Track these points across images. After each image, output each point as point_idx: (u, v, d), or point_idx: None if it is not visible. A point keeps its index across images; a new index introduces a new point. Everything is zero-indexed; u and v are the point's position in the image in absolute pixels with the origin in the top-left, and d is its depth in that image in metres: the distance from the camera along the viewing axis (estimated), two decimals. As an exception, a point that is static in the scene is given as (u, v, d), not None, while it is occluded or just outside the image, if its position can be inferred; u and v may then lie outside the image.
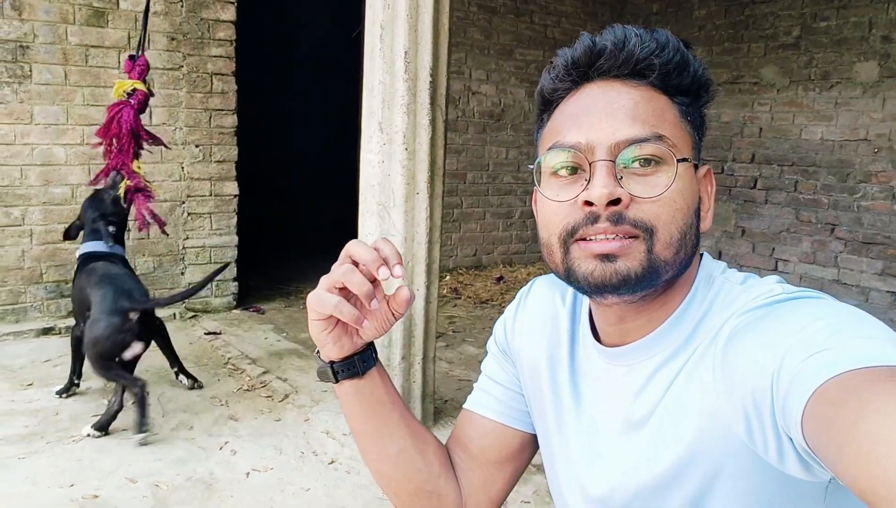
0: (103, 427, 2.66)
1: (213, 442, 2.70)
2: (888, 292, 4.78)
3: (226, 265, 3.73)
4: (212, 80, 4.28)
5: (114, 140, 2.94)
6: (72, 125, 3.89)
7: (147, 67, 3.04)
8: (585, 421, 0.78)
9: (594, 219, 0.66)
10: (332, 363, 0.77)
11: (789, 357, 0.55)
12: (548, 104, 0.74)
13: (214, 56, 4.26)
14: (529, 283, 0.92)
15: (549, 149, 0.70)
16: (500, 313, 0.96)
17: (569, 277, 0.70)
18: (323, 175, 8.06)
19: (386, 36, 2.50)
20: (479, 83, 5.77)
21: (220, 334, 4.03)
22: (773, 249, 5.42)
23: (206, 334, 4.02)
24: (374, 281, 0.70)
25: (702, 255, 0.75)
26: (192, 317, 4.30)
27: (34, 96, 3.79)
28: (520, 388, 0.89)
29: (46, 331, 3.82)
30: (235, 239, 4.51)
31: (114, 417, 2.69)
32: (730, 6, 5.58)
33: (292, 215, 7.47)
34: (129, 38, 3.97)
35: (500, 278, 5.63)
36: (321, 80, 7.92)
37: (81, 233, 3.06)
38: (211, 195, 4.38)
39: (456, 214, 5.84)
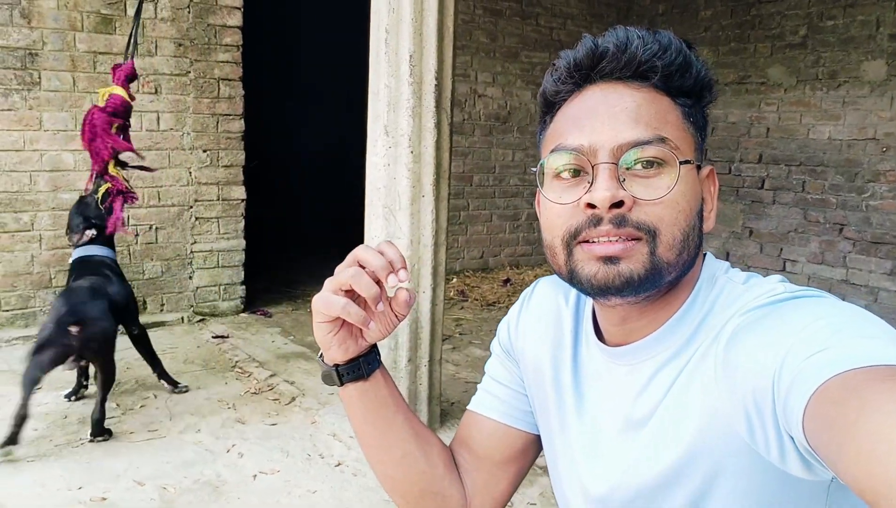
0: (11, 440, 2.51)
1: (221, 445, 2.71)
2: (898, 292, 4.75)
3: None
4: (219, 85, 4.30)
5: (90, 144, 2.95)
6: (80, 131, 3.92)
7: (132, 71, 3.00)
8: (588, 421, 0.78)
9: (597, 221, 0.66)
10: (336, 366, 0.78)
11: (791, 356, 0.55)
12: (550, 106, 0.74)
13: (221, 61, 4.29)
14: (533, 284, 0.92)
15: (552, 151, 0.70)
16: (507, 315, 0.96)
17: (572, 279, 0.70)
18: (323, 176, 8.08)
19: (391, 40, 2.51)
20: (485, 86, 5.77)
21: (227, 337, 4.05)
22: (781, 249, 5.39)
23: (213, 337, 4.03)
24: (378, 283, 0.70)
25: (705, 255, 0.75)
26: (199, 321, 4.33)
27: (43, 103, 3.82)
28: (523, 389, 0.89)
29: (56, 335, 3.84)
30: (243, 243, 4.53)
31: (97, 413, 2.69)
32: (736, 6, 5.56)
33: (292, 216, 7.50)
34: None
35: (506, 281, 5.63)
36: (322, 80, 7.95)
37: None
38: (218, 200, 4.41)
39: (462, 216, 5.84)
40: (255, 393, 3.25)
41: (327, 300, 0.70)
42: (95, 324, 2.68)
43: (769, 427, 0.58)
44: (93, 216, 3.01)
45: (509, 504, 2.31)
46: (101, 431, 2.70)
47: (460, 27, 5.36)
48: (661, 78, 0.68)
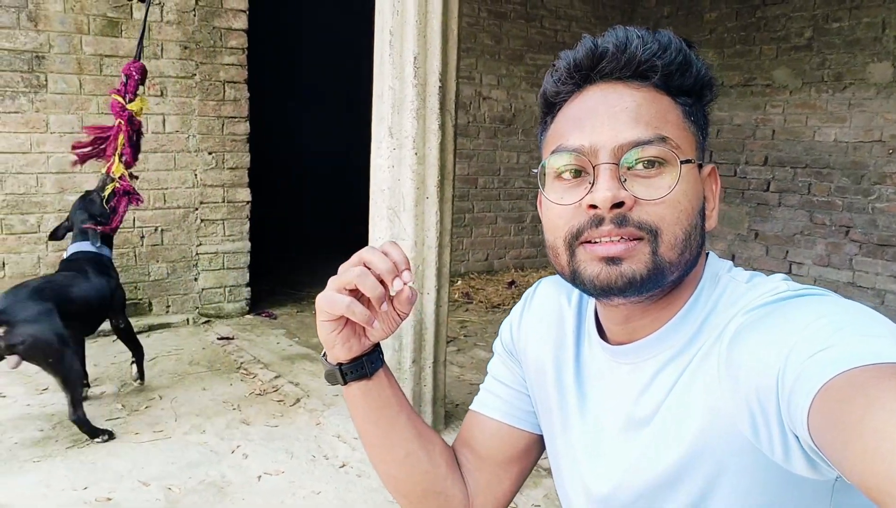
0: None
1: (225, 446, 2.72)
2: (904, 294, 4.73)
3: None
4: (224, 88, 4.32)
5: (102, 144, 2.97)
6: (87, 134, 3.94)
7: (127, 70, 3.01)
8: (590, 421, 0.78)
9: (599, 222, 0.66)
10: (340, 364, 0.78)
11: (794, 355, 0.55)
12: (551, 107, 0.75)
13: (227, 64, 4.31)
14: (535, 284, 0.92)
15: (553, 152, 0.70)
16: (512, 318, 0.96)
17: (574, 279, 0.70)
18: (325, 177, 8.10)
19: (395, 42, 2.52)
20: (489, 88, 5.78)
21: (232, 339, 4.06)
22: (787, 251, 5.38)
23: (218, 339, 4.04)
24: (382, 283, 0.70)
25: (707, 254, 0.75)
26: (205, 322, 4.34)
27: (50, 105, 3.84)
28: (526, 389, 0.89)
29: (62, 337, 3.86)
30: (248, 245, 4.54)
31: None
32: (741, 8, 5.55)
33: (294, 217, 7.51)
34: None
35: (511, 283, 5.63)
36: (324, 81, 7.97)
37: (70, 234, 3.07)
38: (224, 202, 4.42)
39: (467, 218, 5.84)
40: (259, 394, 3.25)
41: (331, 299, 0.70)
42: (22, 327, 2.52)
43: (773, 426, 0.58)
44: (97, 214, 3.02)
45: (512, 504, 2.31)
46: (92, 432, 2.67)
47: (465, 30, 5.38)
48: (661, 77, 0.68)
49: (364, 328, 0.76)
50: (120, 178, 3.02)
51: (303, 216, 7.70)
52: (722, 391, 0.63)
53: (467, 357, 3.96)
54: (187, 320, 4.30)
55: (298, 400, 3.19)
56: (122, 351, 3.68)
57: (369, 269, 0.69)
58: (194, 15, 4.17)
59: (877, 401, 0.46)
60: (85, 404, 3.03)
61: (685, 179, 0.67)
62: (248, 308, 4.59)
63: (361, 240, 2.78)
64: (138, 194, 3.12)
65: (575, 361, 0.81)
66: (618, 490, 0.73)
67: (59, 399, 3.06)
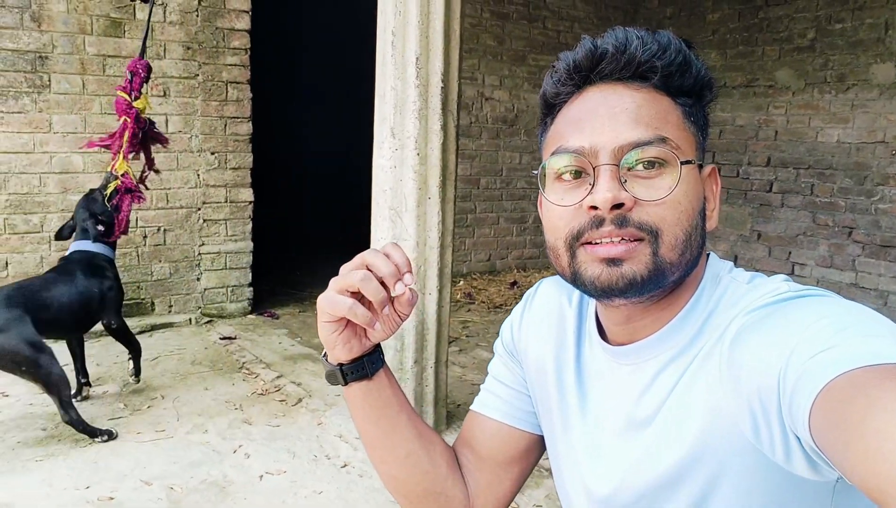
0: None
1: (228, 445, 2.72)
2: (907, 296, 4.72)
3: None
4: (227, 88, 4.33)
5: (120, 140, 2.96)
6: (90, 134, 3.95)
7: (133, 67, 2.99)
8: (591, 421, 0.78)
9: (599, 222, 0.66)
10: (340, 365, 0.78)
11: (796, 355, 0.55)
12: (550, 108, 0.75)
13: (229, 65, 4.31)
14: (536, 284, 0.92)
15: (553, 153, 0.71)
16: (514, 318, 0.96)
17: (575, 280, 0.70)
18: (326, 177, 8.11)
19: (397, 42, 2.52)
20: (492, 89, 5.78)
21: (235, 338, 4.07)
22: (790, 252, 5.37)
23: (221, 338, 4.05)
24: (383, 285, 0.70)
25: (708, 254, 0.75)
26: (207, 322, 4.34)
27: (53, 106, 3.85)
28: (526, 389, 0.89)
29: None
30: (251, 245, 4.55)
31: None
32: (743, 9, 5.55)
33: (295, 217, 7.52)
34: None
35: (513, 283, 5.63)
36: (325, 81, 7.98)
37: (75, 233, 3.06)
38: (226, 202, 4.43)
39: (470, 219, 5.84)
40: (261, 394, 3.26)
41: (333, 301, 0.70)
42: None
43: (774, 427, 0.57)
44: (99, 212, 3.01)
45: (514, 504, 2.31)
46: (90, 432, 2.66)
47: (467, 30, 5.38)
48: (661, 78, 0.68)
49: (365, 329, 0.76)
50: (123, 175, 3.01)
51: (303, 217, 7.72)
52: (723, 391, 0.63)
53: (469, 358, 3.96)
54: (190, 319, 4.31)
55: (300, 400, 3.19)
56: (125, 351, 3.69)
57: (372, 272, 0.70)
58: (197, 15, 4.18)
59: (878, 402, 0.46)
60: (87, 403, 3.06)
61: (685, 180, 0.67)
62: (250, 308, 4.60)
63: (362, 240, 2.78)
64: (140, 192, 3.10)
65: (576, 361, 0.81)
66: (619, 490, 0.73)
67: (61, 399, 3.08)
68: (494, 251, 6.05)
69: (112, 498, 2.32)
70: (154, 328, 4.14)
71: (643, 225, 0.65)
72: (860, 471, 0.46)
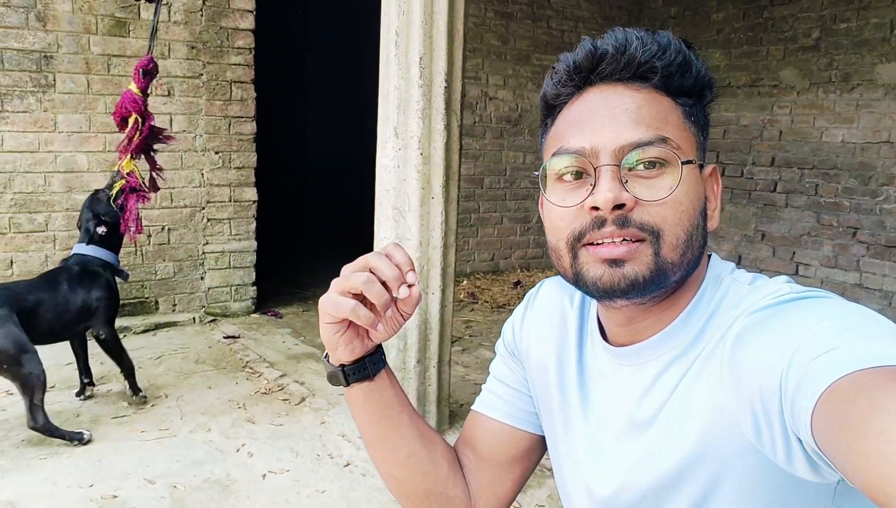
0: None
1: (231, 444, 2.73)
2: (912, 296, 4.70)
3: None
4: (231, 87, 4.33)
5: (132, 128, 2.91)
6: (94, 133, 3.97)
7: (146, 64, 2.95)
8: (592, 422, 0.78)
9: (601, 223, 0.66)
10: (342, 366, 0.78)
11: (798, 357, 0.55)
12: (551, 109, 0.75)
13: (234, 64, 4.32)
14: (538, 284, 0.92)
15: (554, 154, 0.71)
16: (518, 318, 0.96)
17: (577, 281, 0.70)
18: (328, 176, 8.13)
19: (401, 42, 2.52)
20: (496, 88, 5.78)
21: (238, 337, 4.07)
22: (794, 253, 5.35)
23: (224, 337, 4.06)
24: (385, 286, 0.70)
25: (710, 255, 0.75)
26: (211, 321, 4.35)
27: (58, 105, 3.87)
28: (528, 389, 0.89)
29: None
30: (254, 244, 4.55)
31: None
32: (748, 9, 5.53)
33: (297, 216, 7.54)
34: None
35: (517, 283, 5.63)
36: (328, 81, 7.99)
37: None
38: (230, 201, 4.44)
39: (473, 218, 5.84)
40: (265, 393, 3.26)
41: (335, 302, 0.70)
42: None
43: (776, 428, 0.57)
44: (103, 213, 2.97)
45: (516, 504, 2.31)
46: (58, 435, 2.61)
47: (471, 30, 5.37)
48: (661, 78, 0.68)
49: (367, 330, 0.76)
50: (128, 174, 2.98)
51: (306, 216, 7.73)
52: (725, 391, 0.63)
53: (472, 357, 3.96)
54: (193, 318, 4.32)
55: (303, 399, 3.20)
56: (129, 349, 3.68)
57: (375, 275, 0.69)
58: (201, 15, 4.19)
59: (881, 403, 0.46)
60: (92, 402, 3.07)
61: (686, 180, 0.67)
62: (253, 307, 4.61)
63: (364, 240, 2.78)
64: (145, 191, 3.05)
65: (577, 362, 0.81)
66: (620, 491, 0.73)
67: (65, 398, 3.09)
68: (498, 251, 6.04)
69: (115, 497, 2.32)
70: (158, 326, 4.15)
71: (644, 226, 0.65)
72: (863, 473, 0.46)
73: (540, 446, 0.89)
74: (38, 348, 2.65)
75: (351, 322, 0.74)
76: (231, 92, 4.33)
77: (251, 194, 4.50)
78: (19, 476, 2.43)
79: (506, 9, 5.71)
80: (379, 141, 2.64)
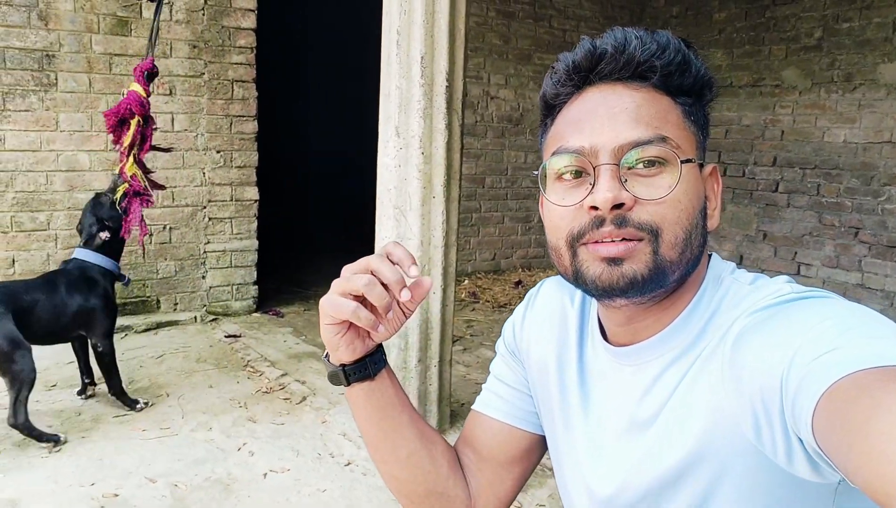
0: None
1: (232, 443, 2.73)
2: (914, 297, 4.70)
3: None
4: (233, 86, 4.34)
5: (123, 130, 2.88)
6: (96, 132, 3.97)
7: (151, 67, 2.96)
8: (593, 421, 0.78)
9: (600, 223, 0.66)
10: (343, 366, 0.78)
11: (799, 357, 0.55)
12: (550, 109, 0.75)
13: (235, 63, 4.32)
14: (538, 284, 0.92)
15: (553, 154, 0.71)
16: (519, 317, 0.95)
17: (577, 280, 0.70)
18: (329, 175, 8.14)
19: (402, 41, 2.52)
20: (497, 88, 5.77)
21: (239, 337, 4.08)
22: (796, 253, 5.35)
23: (226, 336, 4.06)
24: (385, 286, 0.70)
25: (710, 255, 0.75)
26: (212, 320, 4.36)
27: (60, 104, 3.87)
28: (528, 389, 0.89)
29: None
30: (256, 243, 4.56)
31: None
32: (750, 9, 5.53)
33: (298, 215, 7.54)
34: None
35: (518, 283, 5.62)
36: (330, 80, 7.99)
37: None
38: (232, 200, 4.44)
39: (475, 218, 5.84)
40: (266, 392, 3.26)
41: (336, 304, 0.70)
42: None
43: (776, 428, 0.57)
44: (106, 218, 2.94)
45: (517, 504, 2.31)
46: (35, 436, 2.59)
47: (473, 29, 5.37)
48: (661, 77, 0.68)
49: (368, 330, 0.76)
50: (132, 177, 2.95)
51: (307, 215, 7.73)
52: (725, 391, 0.63)
53: (473, 357, 3.96)
54: (195, 317, 4.32)
55: (305, 398, 3.20)
56: (130, 348, 3.72)
57: (377, 277, 0.69)
58: (203, 14, 4.19)
59: (883, 403, 0.46)
60: (94, 401, 3.07)
61: (686, 179, 0.67)
62: (255, 306, 4.61)
63: (365, 239, 2.78)
64: (149, 195, 3.03)
65: (578, 361, 0.81)
66: (620, 490, 0.73)
67: (67, 396, 3.09)
68: (499, 251, 6.04)
69: (117, 495, 2.33)
70: (159, 325, 4.16)
71: (643, 225, 0.66)
72: (864, 473, 0.45)
73: (540, 446, 0.89)
74: (38, 347, 2.65)
75: (352, 323, 0.73)
76: (233, 91, 4.34)
77: (253, 193, 4.50)
78: (21, 474, 2.43)
79: (508, 8, 5.71)
80: (380, 140, 2.64)
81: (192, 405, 3.07)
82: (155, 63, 3.00)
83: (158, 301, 4.29)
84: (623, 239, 0.66)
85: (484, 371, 3.67)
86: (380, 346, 0.80)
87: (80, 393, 3.08)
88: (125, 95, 2.95)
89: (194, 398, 3.15)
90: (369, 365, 0.78)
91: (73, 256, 2.94)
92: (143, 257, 4.19)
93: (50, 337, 2.86)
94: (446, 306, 2.72)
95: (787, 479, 0.60)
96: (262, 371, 3.52)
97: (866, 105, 4.85)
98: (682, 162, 0.66)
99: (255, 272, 4.58)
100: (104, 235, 2.92)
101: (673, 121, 0.68)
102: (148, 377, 3.37)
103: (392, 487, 0.88)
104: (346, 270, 0.71)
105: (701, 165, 0.70)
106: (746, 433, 0.61)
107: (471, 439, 0.90)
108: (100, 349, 2.91)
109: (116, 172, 3.01)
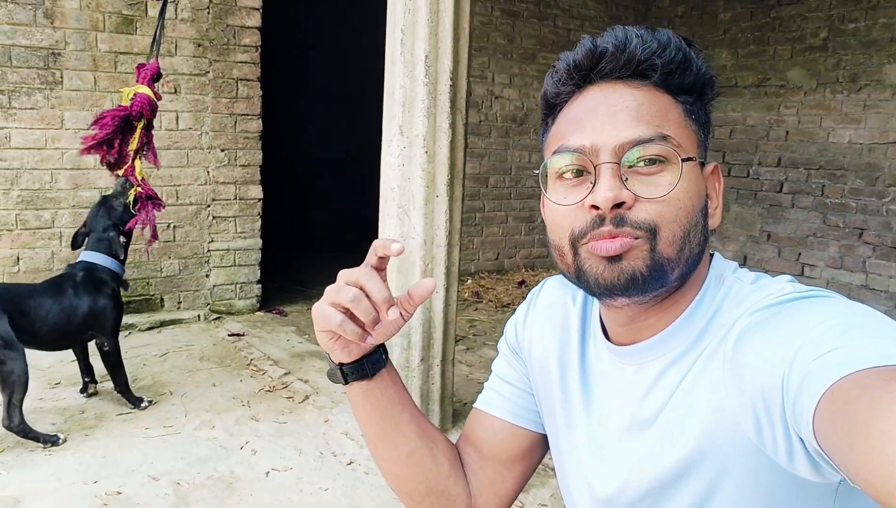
0: None
1: (235, 442, 2.74)
2: (919, 298, 4.68)
3: None
4: (237, 85, 4.34)
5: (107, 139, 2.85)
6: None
7: (157, 71, 2.96)
8: (595, 420, 0.78)
9: (600, 221, 0.66)
10: (341, 365, 0.78)
11: (800, 356, 0.55)
12: (551, 108, 0.75)
13: (240, 62, 4.33)
14: (540, 283, 0.92)
15: (554, 153, 0.71)
16: (522, 317, 0.95)
17: (579, 279, 0.70)
18: (331, 175, 8.14)
19: (406, 40, 2.52)
20: (501, 87, 5.77)
21: (243, 335, 4.08)
22: (800, 253, 5.33)
23: (229, 335, 4.07)
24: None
25: (712, 255, 0.75)
26: (216, 319, 4.36)
27: (65, 102, 3.88)
28: (530, 388, 0.89)
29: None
30: (259, 242, 4.56)
31: None
32: (755, 9, 5.51)
33: (301, 214, 7.55)
34: (156, 44, 4.04)
35: (521, 282, 5.62)
36: (333, 79, 7.99)
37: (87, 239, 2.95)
38: (235, 199, 4.45)
39: (478, 217, 5.84)
40: (269, 391, 3.27)
41: (325, 314, 0.70)
42: None
43: (777, 428, 0.57)
44: (119, 222, 2.93)
45: (519, 503, 2.31)
46: (32, 437, 2.59)
47: (477, 29, 5.37)
48: (661, 76, 0.68)
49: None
50: (142, 181, 2.93)
51: (310, 214, 7.74)
52: (726, 390, 0.63)
53: (476, 356, 3.96)
54: (198, 316, 4.33)
55: (307, 397, 3.20)
56: (133, 347, 3.72)
57: (365, 292, 0.69)
58: (208, 13, 4.20)
59: (884, 403, 0.46)
60: (97, 398, 3.08)
61: (686, 177, 0.67)
62: (258, 305, 4.62)
63: (368, 238, 2.77)
64: (160, 200, 3.02)
65: (580, 361, 0.81)
66: (622, 490, 0.73)
67: (70, 394, 3.10)
68: (502, 250, 6.04)
69: (119, 493, 2.33)
70: (163, 324, 4.17)
71: (641, 224, 0.66)
72: (865, 473, 0.45)
73: (542, 444, 0.89)
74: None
75: None
76: (237, 90, 4.34)
77: (256, 191, 4.51)
78: (24, 471, 2.44)
79: (512, 7, 5.70)
80: (384, 139, 2.65)
81: (195, 404, 3.07)
82: (160, 66, 3.00)
83: (162, 300, 4.30)
84: (621, 237, 0.66)
85: (486, 371, 3.66)
86: (379, 346, 0.80)
87: (82, 391, 3.09)
88: (135, 96, 2.92)
89: (197, 396, 3.16)
90: (366, 366, 0.78)
91: (81, 258, 2.92)
92: (147, 255, 4.20)
93: (62, 341, 2.86)
94: (449, 305, 2.72)
95: (788, 479, 0.60)
96: (265, 370, 3.53)
97: (871, 106, 4.83)
98: (682, 160, 0.66)
99: (259, 271, 4.58)
100: (123, 240, 2.92)
101: (674, 119, 0.68)
102: (151, 375, 3.38)
103: (393, 485, 0.88)
104: (341, 276, 0.71)
105: (702, 164, 0.70)
106: (747, 432, 0.61)
107: (472, 437, 0.90)
108: (106, 348, 2.92)
109: (121, 174, 2.98)
